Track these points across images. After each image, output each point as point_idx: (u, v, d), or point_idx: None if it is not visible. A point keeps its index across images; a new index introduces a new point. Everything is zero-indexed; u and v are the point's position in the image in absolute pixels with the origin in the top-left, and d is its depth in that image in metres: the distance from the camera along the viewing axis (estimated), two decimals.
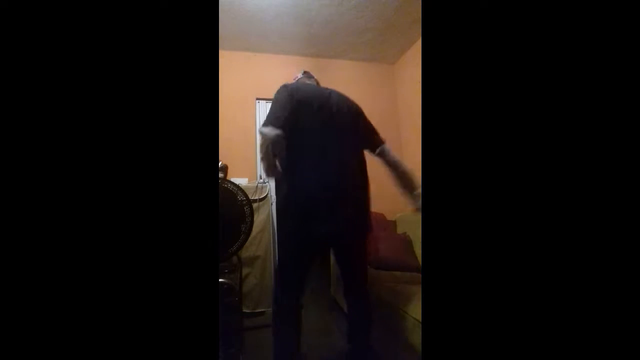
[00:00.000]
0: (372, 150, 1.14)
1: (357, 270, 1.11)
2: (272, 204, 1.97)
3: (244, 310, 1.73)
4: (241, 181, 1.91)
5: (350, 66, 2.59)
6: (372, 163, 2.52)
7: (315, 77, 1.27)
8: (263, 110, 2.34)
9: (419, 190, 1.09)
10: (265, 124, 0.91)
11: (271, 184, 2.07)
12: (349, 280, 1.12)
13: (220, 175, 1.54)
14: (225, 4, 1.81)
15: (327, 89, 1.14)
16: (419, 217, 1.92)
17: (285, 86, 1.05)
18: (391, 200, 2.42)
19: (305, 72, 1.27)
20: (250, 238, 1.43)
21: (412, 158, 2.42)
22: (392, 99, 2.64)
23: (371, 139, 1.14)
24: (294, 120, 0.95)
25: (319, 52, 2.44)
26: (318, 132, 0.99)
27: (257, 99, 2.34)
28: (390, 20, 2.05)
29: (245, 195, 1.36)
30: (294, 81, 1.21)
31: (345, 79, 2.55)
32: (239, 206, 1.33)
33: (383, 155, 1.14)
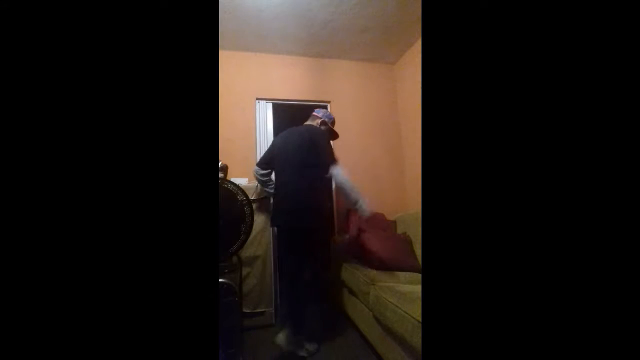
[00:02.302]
0: (325, 173, 1.50)
1: (316, 251, 1.54)
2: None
3: (244, 310, 1.72)
4: (241, 181, 1.91)
5: (350, 66, 2.58)
6: (376, 165, 2.54)
7: (320, 114, 1.70)
8: (263, 110, 2.34)
9: (360, 204, 1.51)
10: (256, 165, 1.69)
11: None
12: (310, 257, 1.52)
13: (220, 175, 1.54)
14: (225, 4, 1.81)
15: (300, 130, 1.59)
16: (419, 217, 1.92)
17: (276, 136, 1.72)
18: (391, 200, 2.43)
19: (313, 114, 1.72)
20: (250, 238, 1.43)
21: (412, 158, 2.42)
22: (392, 99, 2.64)
23: (322, 165, 1.49)
24: (271, 158, 1.64)
25: (319, 52, 2.43)
26: (283, 162, 1.55)
27: (257, 99, 2.33)
28: (390, 20, 2.05)
29: (245, 195, 1.36)
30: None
31: (345, 79, 2.55)
32: (239, 206, 1.33)
33: (332, 178, 1.50)
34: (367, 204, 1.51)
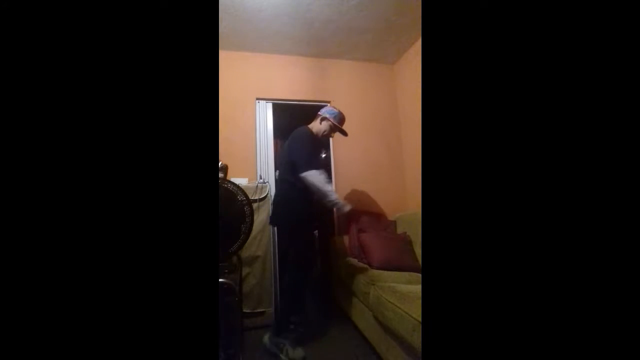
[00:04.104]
0: (296, 173, 1.47)
1: (292, 245, 1.56)
2: (272, 204, 1.98)
3: (244, 310, 1.72)
4: (241, 181, 1.91)
5: (350, 66, 2.58)
6: (376, 165, 2.52)
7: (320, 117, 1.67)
8: (263, 110, 2.33)
9: (335, 203, 1.45)
10: None
11: (271, 184, 2.08)
12: (291, 257, 1.56)
13: (220, 175, 1.54)
14: (225, 4, 1.81)
15: (293, 132, 1.61)
16: (419, 217, 1.92)
17: None
18: (391, 200, 2.43)
19: (318, 113, 1.68)
20: (250, 238, 1.43)
21: (412, 158, 2.42)
22: (392, 99, 2.64)
23: (294, 163, 1.48)
24: None
25: (319, 52, 2.43)
26: (279, 163, 1.71)
27: (257, 99, 2.33)
28: (390, 20, 2.04)
29: (245, 195, 1.35)
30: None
31: (345, 79, 2.54)
32: (239, 206, 1.33)
33: (306, 181, 1.45)
34: (342, 205, 1.46)
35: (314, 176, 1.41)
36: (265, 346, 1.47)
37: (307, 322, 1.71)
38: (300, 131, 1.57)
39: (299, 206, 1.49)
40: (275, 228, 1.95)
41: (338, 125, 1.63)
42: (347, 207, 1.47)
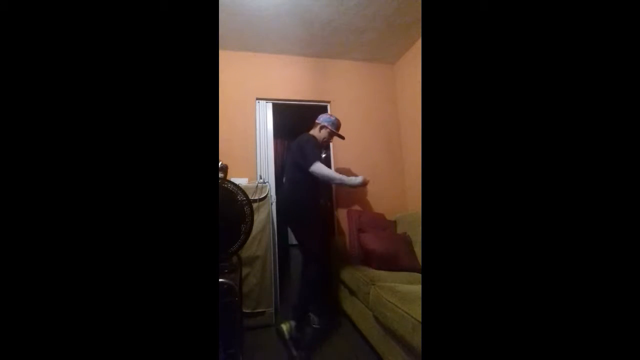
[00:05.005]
0: (306, 170, 1.59)
1: (300, 244, 1.70)
2: (272, 204, 1.97)
3: (244, 310, 1.72)
4: (241, 181, 1.91)
5: (350, 66, 2.58)
6: (376, 165, 2.52)
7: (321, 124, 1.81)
8: (263, 110, 2.33)
9: (345, 181, 1.61)
10: None
11: (271, 184, 2.08)
12: (300, 249, 1.74)
13: (220, 175, 1.54)
14: (225, 3, 1.81)
15: (297, 138, 1.73)
16: (419, 217, 1.92)
17: None
18: (391, 200, 2.43)
19: (315, 122, 1.84)
20: (250, 238, 1.43)
21: (412, 158, 2.42)
22: (392, 99, 2.63)
23: (301, 164, 1.62)
24: None
25: (319, 52, 2.43)
26: (284, 167, 1.82)
27: (257, 99, 2.33)
28: (390, 20, 2.04)
29: (245, 195, 1.35)
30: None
31: (345, 79, 2.54)
32: (239, 206, 1.32)
33: (315, 174, 1.58)
34: (353, 179, 1.61)
35: (321, 168, 1.56)
36: (283, 336, 1.52)
37: (328, 316, 1.81)
38: (306, 135, 1.72)
39: (307, 203, 1.62)
40: (275, 227, 1.99)
41: (335, 131, 1.80)
42: (358, 180, 1.61)
